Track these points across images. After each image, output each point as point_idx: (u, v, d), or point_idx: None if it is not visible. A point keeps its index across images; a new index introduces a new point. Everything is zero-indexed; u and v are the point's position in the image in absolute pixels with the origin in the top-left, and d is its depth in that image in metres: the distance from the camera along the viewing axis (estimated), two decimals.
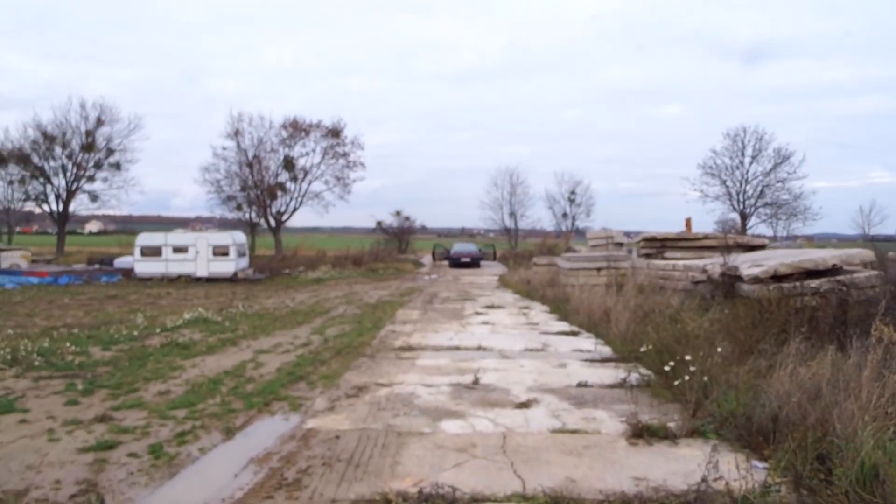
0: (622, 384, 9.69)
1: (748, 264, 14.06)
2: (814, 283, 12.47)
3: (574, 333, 15.26)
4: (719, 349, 8.77)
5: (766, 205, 60.13)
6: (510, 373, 10.76)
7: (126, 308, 21.39)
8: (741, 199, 60.14)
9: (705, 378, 8.13)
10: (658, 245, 23.60)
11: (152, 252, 34.55)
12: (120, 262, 37.88)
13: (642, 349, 10.45)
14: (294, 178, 55.48)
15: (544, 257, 36.75)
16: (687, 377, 8.04)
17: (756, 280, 13.14)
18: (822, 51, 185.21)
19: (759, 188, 59.53)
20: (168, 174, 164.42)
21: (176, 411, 8.33)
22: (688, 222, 29.10)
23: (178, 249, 34.62)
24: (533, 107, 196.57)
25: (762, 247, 21.88)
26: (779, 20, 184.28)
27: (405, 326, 16.71)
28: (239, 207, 55.05)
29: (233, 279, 34.21)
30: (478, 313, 19.72)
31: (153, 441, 7.16)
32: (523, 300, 24.12)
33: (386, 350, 13.08)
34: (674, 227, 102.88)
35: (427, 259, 55.80)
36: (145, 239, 35.32)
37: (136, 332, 14.75)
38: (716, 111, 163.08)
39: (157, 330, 15.48)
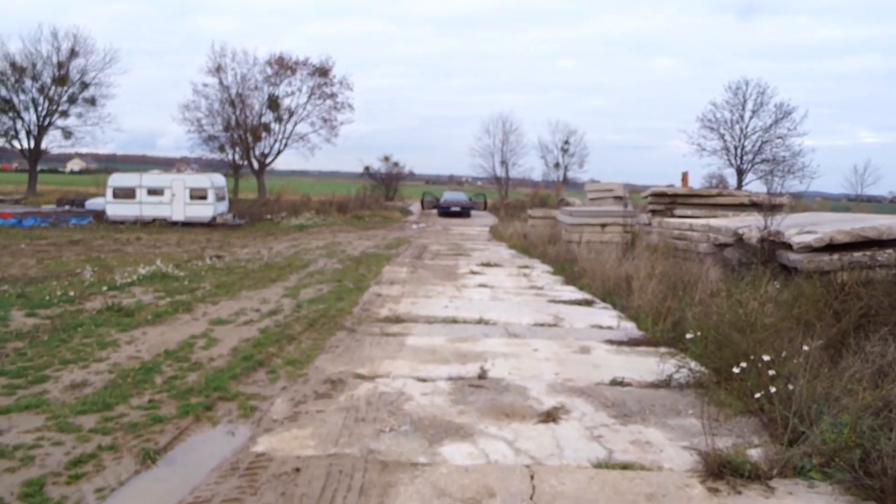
0: (668, 383, 7.67)
1: (796, 229, 11.99)
2: (881, 255, 10.50)
3: (588, 303, 13.20)
4: (805, 346, 6.64)
5: (763, 161, 58.01)
6: (523, 360, 8.69)
7: (85, 256, 19.20)
8: (739, 155, 57.98)
9: (790, 386, 6.10)
10: (667, 201, 21.80)
11: (125, 194, 32.05)
12: (91, 203, 35.39)
13: (688, 336, 8.34)
14: (279, 119, 52.56)
15: (539, 209, 34.55)
16: (773, 388, 5.99)
17: (807, 248, 11.11)
18: (817, 7, 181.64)
19: (759, 144, 57.35)
20: (155, 113, 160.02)
21: (84, 418, 6.17)
22: (684, 176, 27.24)
23: (152, 192, 32.07)
24: (526, 56, 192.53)
25: (781, 206, 19.97)
26: None
27: (392, 288, 14.60)
28: (221, 148, 52.27)
29: (210, 224, 31.82)
30: (473, 272, 17.64)
31: (35, 474, 5.02)
32: (521, 257, 22.04)
33: (369, 321, 10.98)
34: (664, 180, 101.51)
35: (415, 207, 53.49)
36: (118, 180, 32.85)
37: (72, 293, 12.25)
38: (708, 65, 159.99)
39: (104, 288, 13.17)
